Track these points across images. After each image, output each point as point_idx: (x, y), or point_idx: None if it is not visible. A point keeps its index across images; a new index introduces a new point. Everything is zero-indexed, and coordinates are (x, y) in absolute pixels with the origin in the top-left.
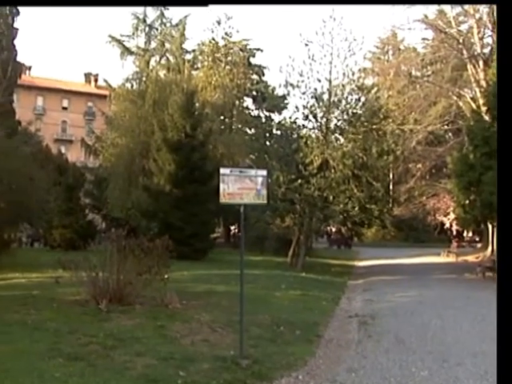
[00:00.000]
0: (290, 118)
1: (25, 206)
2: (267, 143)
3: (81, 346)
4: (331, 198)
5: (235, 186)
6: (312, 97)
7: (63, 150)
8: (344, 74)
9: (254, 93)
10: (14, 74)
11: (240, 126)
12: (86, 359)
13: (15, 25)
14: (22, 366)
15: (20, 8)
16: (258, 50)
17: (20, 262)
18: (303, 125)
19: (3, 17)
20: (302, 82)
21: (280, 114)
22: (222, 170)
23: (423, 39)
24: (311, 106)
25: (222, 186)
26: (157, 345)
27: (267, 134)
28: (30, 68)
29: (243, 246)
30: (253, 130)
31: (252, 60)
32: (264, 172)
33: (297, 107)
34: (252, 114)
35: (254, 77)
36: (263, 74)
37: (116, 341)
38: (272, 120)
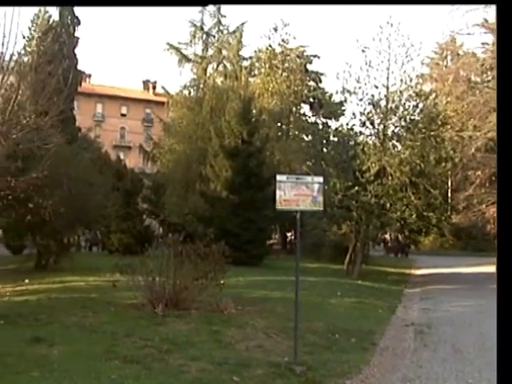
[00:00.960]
0: (347, 124)
1: (84, 210)
2: (324, 150)
3: (137, 349)
4: (388, 205)
5: (292, 192)
6: (369, 103)
7: (121, 156)
8: (401, 80)
9: (311, 99)
10: (74, 81)
11: (297, 132)
12: (141, 362)
13: (76, 34)
14: (80, 367)
15: (80, 17)
16: (314, 56)
17: (79, 266)
18: (360, 131)
19: (65, 26)
20: (359, 88)
21: (337, 120)
22: (278, 177)
23: (483, 44)
24: (368, 113)
25: (278, 192)
26: (211, 349)
27: (324, 141)
28: (89, 76)
29: (299, 253)
30: (309, 137)
31: (309, 66)
32: (320, 179)
33: (354, 114)
34: (309, 120)
35: (311, 83)
36: (320, 81)
37: (171, 345)
38: (329, 127)
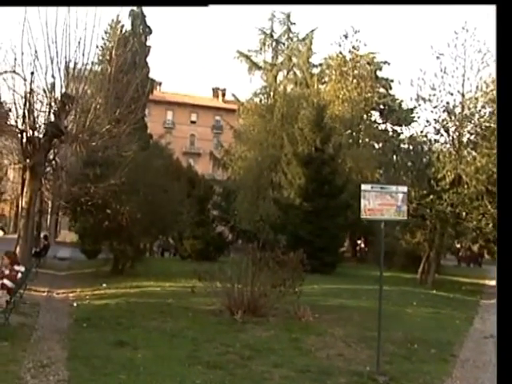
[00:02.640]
0: (421, 132)
1: (159, 216)
2: (394, 157)
3: (219, 355)
4: (464, 214)
5: (376, 201)
6: (444, 110)
7: (191, 163)
8: (477, 86)
9: (381, 106)
10: (147, 90)
11: (367, 139)
12: (224, 368)
13: (147, 43)
14: (165, 371)
15: (152, 26)
16: (384, 62)
17: (153, 271)
18: (435, 139)
19: (137, 36)
20: (434, 95)
21: (407, 127)
22: (363, 186)
23: None
24: (443, 120)
25: (363, 201)
26: (292, 357)
27: (394, 148)
28: (160, 84)
29: (382, 263)
30: (380, 144)
31: (379, 73)
32: (405, 188)
33: (428, 121)
34: (379, 127)
35: (381, 90)
36: (390, 87)
37: (253, 351)
38: (399, 134)
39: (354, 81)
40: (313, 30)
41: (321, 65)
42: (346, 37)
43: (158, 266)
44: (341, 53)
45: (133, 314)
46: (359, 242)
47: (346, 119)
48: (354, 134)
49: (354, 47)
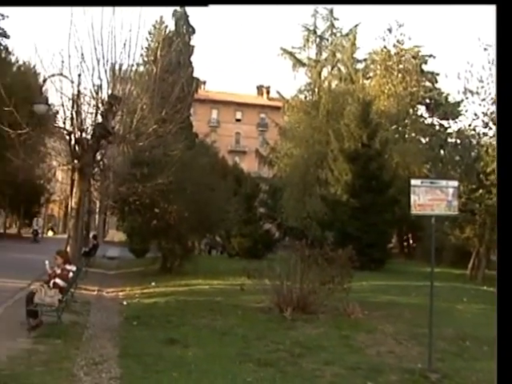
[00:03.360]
0: (470, 125)
1: (206, 215)
2: (441, 152)
3: (269, 353)
4: None
5: (426, 197)
6: (492, 103)
7: (237, 161)
8: None
9: (427, 100)
10: (191, 89)
11: (413, 134)
12: (275, 365)
13: (191, 42)
14: (216, 369)
15: (195, 25)
16: (430, 56)
17: (201, 269)
18: (483, 133)
19: (181, 36)
20: (482, 88)
21: (454, 121)
22: (413, 181)
23: None
24: (492, 113)
25: (413, 197)
26: (343, 354)
27: (441, 143)
28: (204, 82)
29: (433, 259)
30: (427, 139)
31: (424, 67)
32: (455, 183)
33: (476, 114)
34: (425, 122)
35: (427, 84)
36: (436, 81)
37: (303, 349)
38: (446, 128)
39: (399, 75)
40: (356, 25)
41: (365, 60)
42: (390, 31)
43: (206, 264)
44: (385, 47)
45: (182, 311)
46: (407, 237)
47: (391, 114)
48: (400, 128)
49: (398, 41)
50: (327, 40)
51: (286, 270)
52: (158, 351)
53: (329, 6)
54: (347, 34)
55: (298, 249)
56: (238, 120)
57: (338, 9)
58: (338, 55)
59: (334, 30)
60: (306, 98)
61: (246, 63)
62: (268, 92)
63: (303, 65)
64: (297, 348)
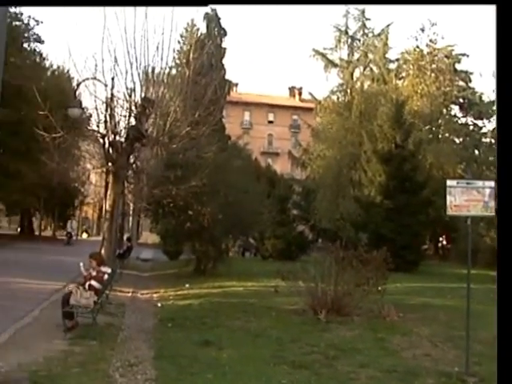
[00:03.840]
0: None
1: (240, 217)
2: (476, 152)
3: (303, 355)
4: None
5: (462, 197)
6: None
7: (270, 163)
8: None
9: (461, 100)
10: (223, 91)
11: (447, 134)
12: (310, 368)
13: (223, 45)
14: (250, 371)
15: (227, 27)
16: (463, 55)
17: (235, 271)
18: None
19: (213, 38)
20: None
21: (488, 120)
22: (448, 182)
23: None
24: None
25: (448, 198)
26: (378, 357)
27: (476, 143)
28: (236, 85)
29: (470, 260)
30: (460, 139)
31: (457, 66)
32: (492, 183)
33: None
34: (459, 122)
35: (461, 83)
36: (470, 80)
37: (338, 351)
38: (481, 128)
39: (433, 75)
40: (388, 25)
41: (398, 60)
42: (422, 30)
43: (240, 266)
44: (418, 47)
45: (216, 313)
46: (441, 239)
47: (425, 114)
48: (434, 129)
49: (431, 40)
50: (359, 40)
51: (320, 271)
52: (192, 353)
53: (360, 7)
54: (379, 34)
55: (332, 251)
56: (271, 122)
57: (369, 9)
58: (370, 55)
59: (366, 31)
60: (338, 98)
61: (278, 65)
62: (300, 93)
63: (335, 66)
64: (331, 350)
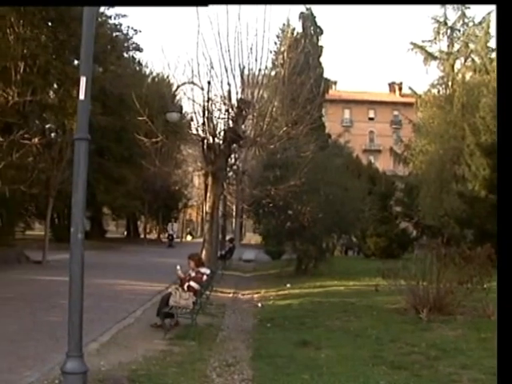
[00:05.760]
0: None
1: (341, 215)
2: None
3: (403, 355)
4: None
5: None
6: None
7: (372, 160)
8: None
9: None
10: (322, 89)
11: None
12: (409, 369)
13: (319, 43)
14: (348, 372)
15: (322, 25)
16: None
17: (336, 270)
18: None
19: (309, 37)
20: None
21: None
22: None
23: None
24: None
25: None
26: (482, 358)
27: None
28: (335, 83)
29: None
30: None
31: None
32: None
33: None
34: None
35: None
36: None
37: (439, 351)
38: None
39: None
40: (489, 13)
41: None
42: None
43: (342, 264)
44: None
45: (316, 313)
46: None
47: None
48: None
49: None
50: (459, 31)
51: (422, 269)
52: (290, 353)
53: None
54: (480, 23)
55: (433, 247)
56: (371, 118)
57: None
58: (471, 46)
59: (466, 20)
60: (439, 92)
61: (377, 61)
62: (400, 88)
63: (435, 58)
64: (432, 351)
